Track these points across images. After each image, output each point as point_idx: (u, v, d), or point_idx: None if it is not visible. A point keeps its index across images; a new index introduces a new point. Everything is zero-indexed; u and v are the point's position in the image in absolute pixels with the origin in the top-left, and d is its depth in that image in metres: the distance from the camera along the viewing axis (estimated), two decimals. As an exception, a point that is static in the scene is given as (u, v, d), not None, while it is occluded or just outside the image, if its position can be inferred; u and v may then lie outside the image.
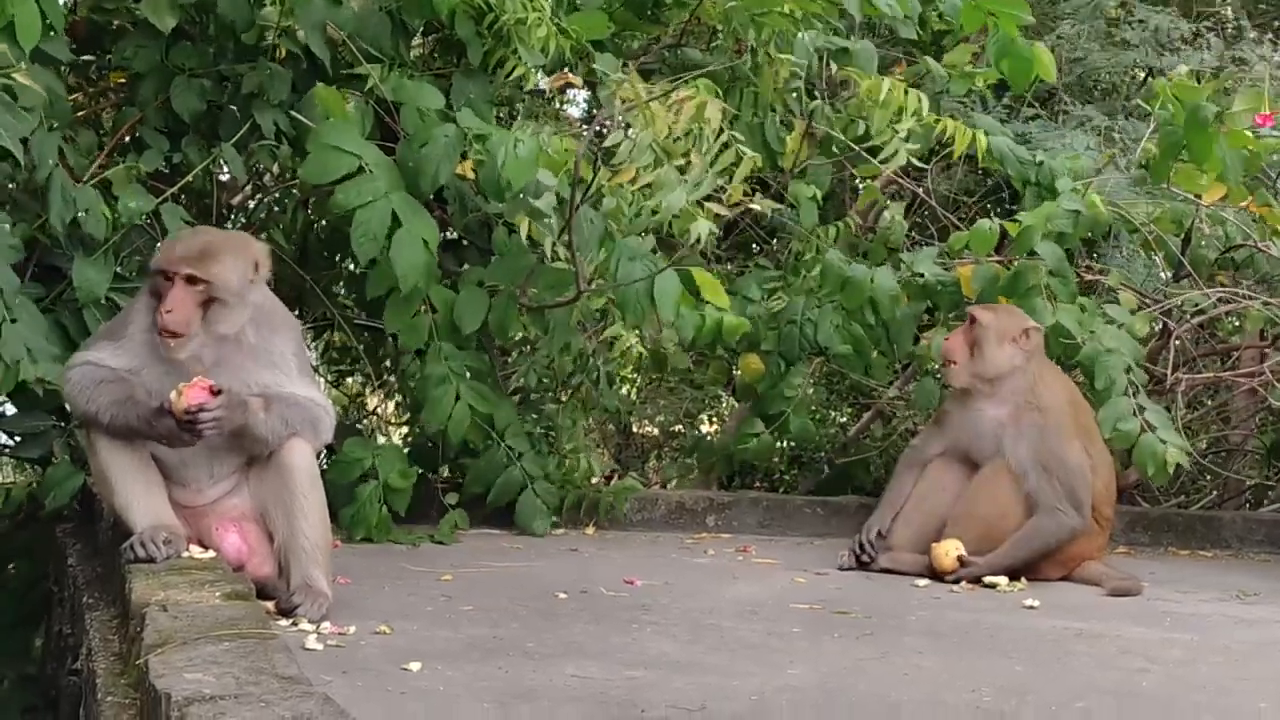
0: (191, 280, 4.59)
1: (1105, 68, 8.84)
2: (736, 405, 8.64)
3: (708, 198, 5.79)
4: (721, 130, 5.57)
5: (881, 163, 6.92)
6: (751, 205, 6.17)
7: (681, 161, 5.59)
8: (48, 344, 5.59)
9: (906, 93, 6.75)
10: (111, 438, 4.61)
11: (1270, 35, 9.03)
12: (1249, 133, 6.70)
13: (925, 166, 7.23)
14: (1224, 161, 6.68)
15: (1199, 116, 6.63)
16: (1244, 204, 7.02)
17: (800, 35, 6.87)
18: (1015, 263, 6.84)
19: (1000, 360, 6.09)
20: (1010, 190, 7.97)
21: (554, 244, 5.99)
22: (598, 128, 5.81)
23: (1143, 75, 8.95)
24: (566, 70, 6.57)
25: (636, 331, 6.58)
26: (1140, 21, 8.85)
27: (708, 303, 6.48)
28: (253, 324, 4.73)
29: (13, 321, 5.53)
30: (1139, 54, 8.73)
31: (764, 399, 7.19)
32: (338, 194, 5.87)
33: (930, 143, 7.06)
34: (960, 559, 5.86)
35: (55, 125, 5.84)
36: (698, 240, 5.78)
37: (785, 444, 7.43)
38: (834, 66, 7.26)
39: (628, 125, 5.57)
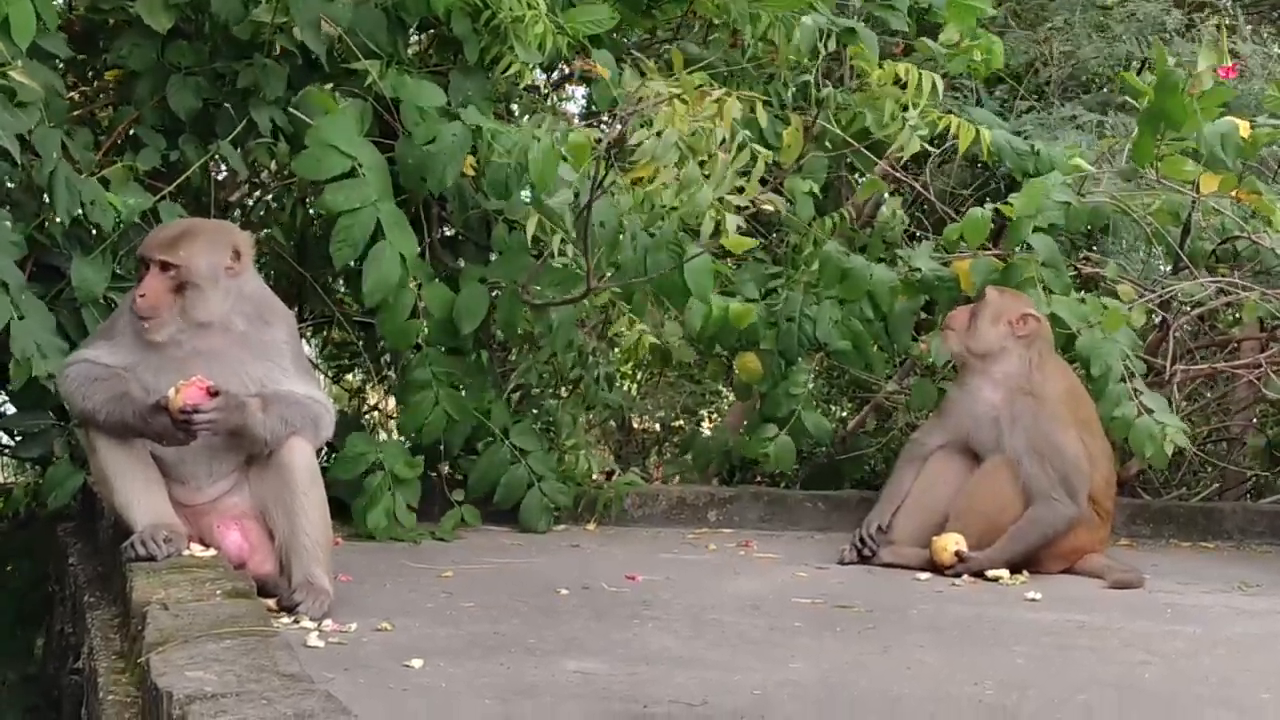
0: (164, 266, 4.64)
1: (1095, 60, 8.82)
2: (734, 401, 8.61)
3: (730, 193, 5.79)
4: (734, 131, 5.56)
5: (896, 152, 6.91)
6: (765, 206, 6.16)
7: (705, 158, 5.57)
8: (56, 339, 5.60)
9: (921, 77, 6.73)
10: (109, 436, 4.60)
11: (1267, 25, 9.02)
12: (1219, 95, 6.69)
13: (933, 150, 7.19)
14: (1199, 119, 6.63)
15: (1169, 81, 6.60)
16: (1234, 192, 6.99)
17: (804, 19, 6.85)
18: (1010, 257, 6.83)
19: (990, 337, 6.12)
20: (1007, 184, 7.95)
21: (562, 241, 5.99)
22: (619, 124, 5.78)
23: (1135, 66, 8.93)
24: (581, 59, 6.54)
25: (642, 328, 6.56)
26: (1130, 16, 8.83)
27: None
28: (241, 313, 4.74)
29: (20, 318, 5.53)
30: (1128, 45, 8.71)
31: (768, 400, 7.16)
32: (326, 194, 5.89)
33: (932, 133, 7.03)
34: (959, 554, 5.85)
35: (53, 124, 5.83)
36: (716, 233, 5.77)
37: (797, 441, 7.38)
38: (838, 56, 7.24)
39: (650, 122, 5.55)
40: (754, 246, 6.56)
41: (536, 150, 5.79)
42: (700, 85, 5.65)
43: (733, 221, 5.64)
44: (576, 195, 5.80)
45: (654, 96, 5.49)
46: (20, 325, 5.52)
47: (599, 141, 5.81)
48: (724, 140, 5.52)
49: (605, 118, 5.85)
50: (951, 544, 5.87)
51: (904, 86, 6.77)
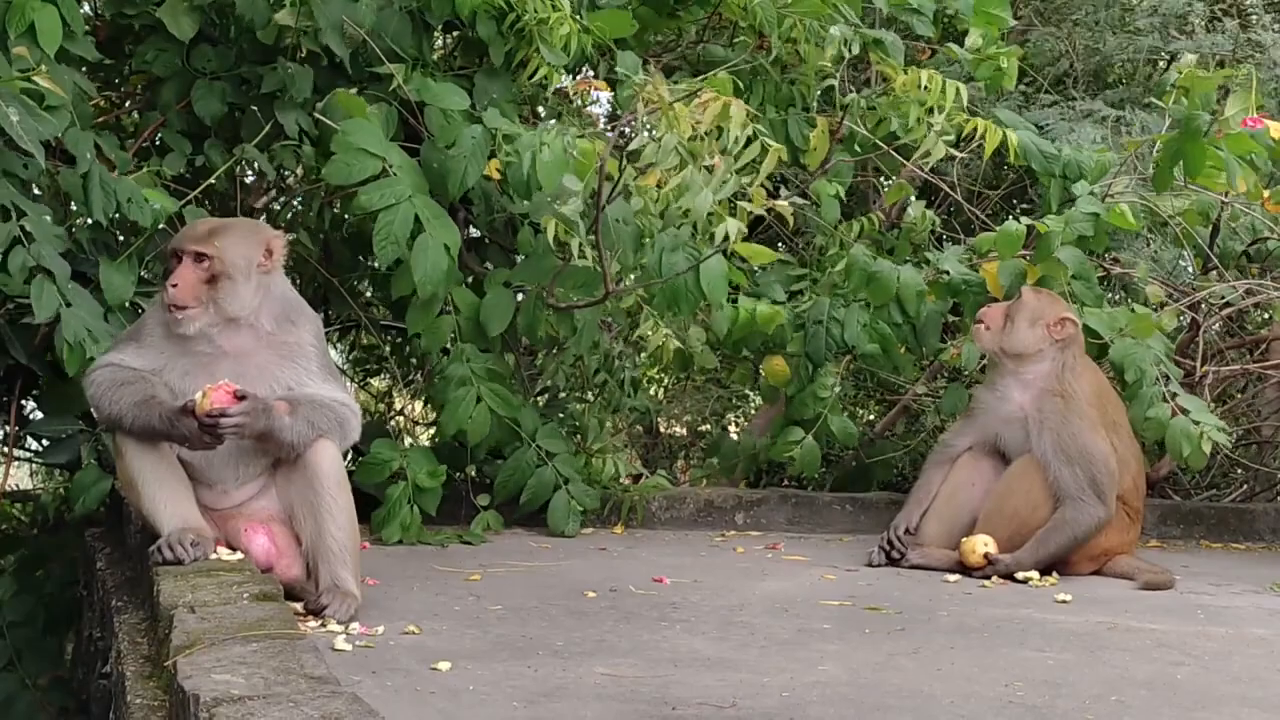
0: (198, 257, 4.65)
1: (1117, 54, 8.77)
2: (761, 405, 8.58)
3: (737, 196, 5.76)
4: (745, 124, 5.52)
5: (921, 158, 6.88)
6: (776, 204, 6.12)
7: (708, 161, 5.55)
8: (105, 325, 5.60)
9: (944, 84, 6.70)
10: (136, 440, 4.61)
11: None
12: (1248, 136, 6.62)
13: (957, 154, 7.14)
14: (1226, 166, 6.59)
15: (1192, 126, 6.54)
16: (1262, 200, 6.95)
17: (832, 29, 6.82)
18: (1038, 266, 6.78)
19: (1027, 339, 6.10)
20: (1032, 181, 7.91)
21: (580, 244, 5.99)
22: (623, 129, 5.78)
23: (1160, 62, 8.89)
24: (590, 75, 6.54)
25: (667, 332, 6.54)
26: (1154, 10, 8.79)
27: (736, 298, 6.50)
28: (269, 313, 4.75)
29: (68, 305, 5.54)
30: (1151, 39, 8.67)
31: (794, 403, 7.13)
32: (360, 196, 5.87)
33: (959, 136, 7.00)
34: (987, 555, 5.83)
35: (82, 128, 5.84)
36: (726, 238, 5.75)
37: (823, 444, 7.37)
38: (863, 60, 7.21)
39: (651, 128, 5.53)
40: (774, 260, 6.54)
41: (546, 153, 5.78)
42: (701, 88, 5.62)
43: (734, 225, 5.60)
44: (591, 197, 5.77)
45: (653, 101, 5.47)
46: (70, 312, 5.50)
47: (610, 140, 5.79)
48: (732, 143, 5.48)
49: (625, 123, 5.83)
50: (980, 546, 5.85)
51: (928, 91, 6.75)
